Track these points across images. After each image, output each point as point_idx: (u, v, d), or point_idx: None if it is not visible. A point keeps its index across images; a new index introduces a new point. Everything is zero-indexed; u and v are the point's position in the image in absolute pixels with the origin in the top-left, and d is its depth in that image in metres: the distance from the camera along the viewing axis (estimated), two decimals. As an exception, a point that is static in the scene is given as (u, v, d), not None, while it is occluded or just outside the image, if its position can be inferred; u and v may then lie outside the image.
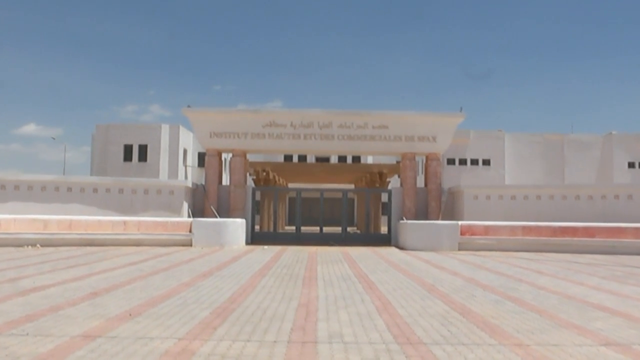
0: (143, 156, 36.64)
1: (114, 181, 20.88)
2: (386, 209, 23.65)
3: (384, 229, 27.99)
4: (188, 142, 39.75)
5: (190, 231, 18.69)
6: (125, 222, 18.62)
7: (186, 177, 38.60)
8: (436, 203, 21.76)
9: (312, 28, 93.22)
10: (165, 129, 37.25)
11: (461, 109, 21.73)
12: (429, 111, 22.05)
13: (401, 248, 19.60)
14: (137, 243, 18.30)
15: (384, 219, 31.75)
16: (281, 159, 43.34)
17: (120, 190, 20.56)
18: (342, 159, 43.66)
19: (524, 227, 18.96)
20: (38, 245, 17.53)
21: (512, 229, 18.94)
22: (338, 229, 23.36)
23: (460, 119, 21.87)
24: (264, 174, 30.87)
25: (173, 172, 37.31)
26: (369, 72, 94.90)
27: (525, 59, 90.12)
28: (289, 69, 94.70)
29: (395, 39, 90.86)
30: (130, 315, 6.54)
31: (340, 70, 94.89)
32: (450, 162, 40.12)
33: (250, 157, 26.84)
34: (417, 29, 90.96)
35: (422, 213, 21.91)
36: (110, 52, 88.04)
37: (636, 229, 18.31)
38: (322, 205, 22.84)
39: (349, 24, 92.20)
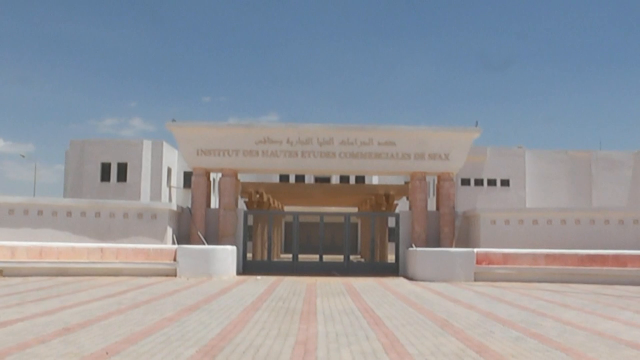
0: (122, 176, 36.70)
1: (90, 204, 20.91)
2: (393, 235, 23.65)
3: (391, 258, 27.92)
4: (173, 160, 39.86)
5: (174, 259, 18.67)
6: (102, 250, 18.60)
7: (170, 200, 38.62)
8: (449, 228, 21.77)
9: (312, 34, 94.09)
10: (147, 146, 37.37)
11: (477, 123, 21.89)
12: (441, 126, 22.20)
13: (410, 279, 19.56)
14: (116, 273, 18.26)
15: (391, 246, 31.69)
16: (276, 179, 43.41)
17: (97, 214, 20.58)
18: (344, 179, 43.75)
19: (547, 255, 18.95)
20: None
21: (534, 258, 18.92)
22: (340, 258, 23.30)
23: (475, 135, 21.99)
24: (257, 195, 30.90)
25: (156, 194, 37.33)
26: (374, 83, 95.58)
27: (548, 68, 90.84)
28: (286, 80, 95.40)
29: (403, 47, 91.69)
30: (107, 353, 6.53)
31: (343, 81, 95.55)
32: (465, 182, 40.20)
33: (242, 177, 26.92)
34: (427, 36, 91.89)
35: (434, 239, 21.90)
36: (87, 59, 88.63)
37: (673, 257, 18.30)
38: (321, 231, 22.81)
39: (352, 31, 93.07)
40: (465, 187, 40.05)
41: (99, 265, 18.24)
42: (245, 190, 29.71)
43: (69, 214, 20.45)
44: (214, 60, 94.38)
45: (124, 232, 20.49)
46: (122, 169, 36.75)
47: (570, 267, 18.64)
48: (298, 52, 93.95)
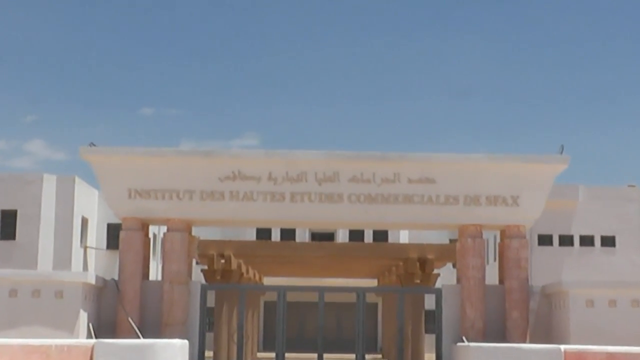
0: (9, 230, 36.63)
1: (-41, 274, 20.91)
2: (432, 321, 23.59)
3: (429, 357, 27.80)
4: (91, 205, 39.94)
5: (91, 362, 18.60)
6: (-25, 347, 18.51)
7: (86, 268, 38.56)
8: (520, 312, 21.73)
9: (307, 26, 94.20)
10: (50, 183, 37.44)
11: (562, 149, 22.04)
12: (506, 153, 22.35)
13: (461, 392, 19.49)
14: (-2, 384, 18.14)
15: (429, 340, 31.47)
16: (252, 235, 43.31)
17: (-32, 290, 20.58)
18: (356, 235, 43.69)
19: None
20: None
21: (658, 359, 18.85)
22: (350, 358, 23.18)
23: (560, 167, 22.12)
24: (222, 261, 30.87)
25: (63, 259, 37.23)
26: (400, 93, 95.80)
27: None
28: (271, 87, 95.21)
29: (439, 39, 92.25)
30: None
31: (351, 91, 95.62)
32: (545, 240, 40.14)
33: (200, 233, 26.95)
34: (474, 20, 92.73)
35: (496, 329, 21.85)
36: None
37: None
38: (321, 316, 22.74)
39: (363, 22, 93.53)
40: (545, 248, 39.98)
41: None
42: (204, 252, 29.71)
43: None
44: (158, 55, 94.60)
45: (10, 320, 20.35)
46: (9, 220, 36.73)
47: None
48: (288, 49, 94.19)
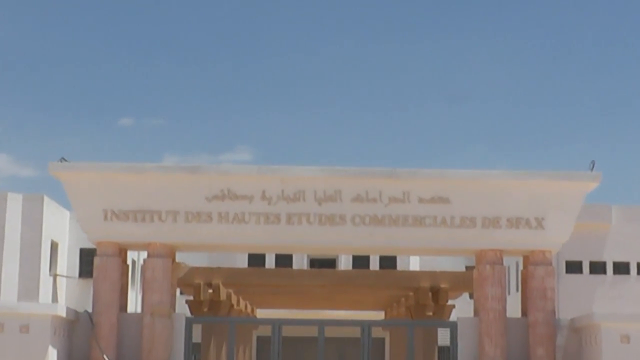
0: (-30, 256, 36.67)
1: None
2: (447, 359, 23.55)
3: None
4: (61, 228, 39.87)
5: (61, 405, 18.56)
6: None
7: (56, 298, 38.48)
8: (546, 348, 21.68)
9: (308, 29, 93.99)
10: (15, 203, 37.40)
11: (593, 165, 22.00)
12: (530, 170, 22.32)
13: None
14: None
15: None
16: (243, 262, 43.21)
17: None
18: (360, 261, 43.64)
19: None
20: None
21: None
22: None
23: (591, 185, 22.10)
24: (210, 291, 30.83)
25: (29, 288, 37.18)
26: (408, 103, 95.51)
27: None
28: (266, 96, 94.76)
29: (451, 42, 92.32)
30: None
31: (354, 99, 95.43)
32: (573, 267, 40.05)
33: (185, 259, 26.97)
34: (499, 25, 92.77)
35: (519, 368, 21.84)
36: None
37: None
38: (321, 353, 22.70)
39: (372, 21, 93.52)
40: (574, 277, 39.88)
41: None
42: (190, 281, 29.66)
43: None
44: (139, 59, 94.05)
45: (-28, 356, 20.41)
46: (-30, 244, 36.74)
47: None
48: (284, 54, 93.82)
